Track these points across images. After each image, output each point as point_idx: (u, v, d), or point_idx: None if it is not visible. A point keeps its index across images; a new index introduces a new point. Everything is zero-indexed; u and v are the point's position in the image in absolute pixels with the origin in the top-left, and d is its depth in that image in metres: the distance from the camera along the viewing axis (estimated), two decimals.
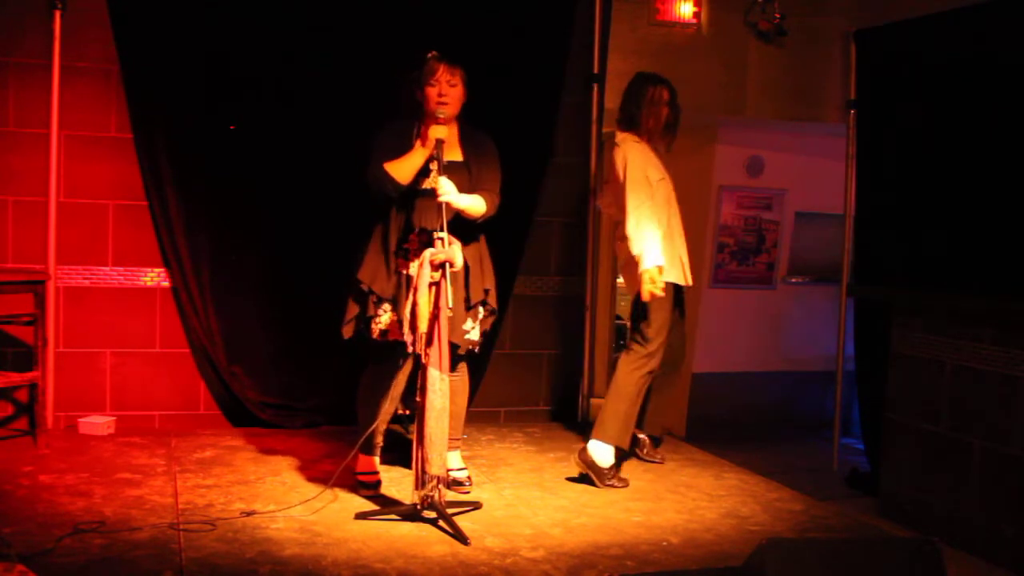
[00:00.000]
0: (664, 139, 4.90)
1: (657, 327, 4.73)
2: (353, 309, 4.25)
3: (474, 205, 4.16)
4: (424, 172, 4.14)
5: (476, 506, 4.20)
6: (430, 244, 3.98)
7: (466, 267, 4.20)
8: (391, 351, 4.22)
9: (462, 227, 4.12)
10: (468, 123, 4.31)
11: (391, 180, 4.10)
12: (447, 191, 4.00)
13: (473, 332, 4.34)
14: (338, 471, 4.25)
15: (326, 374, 5.40)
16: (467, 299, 4.24)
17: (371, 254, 4.21)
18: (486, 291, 4.32)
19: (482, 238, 4.34)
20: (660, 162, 4.81)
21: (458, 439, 4.56)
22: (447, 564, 3.57)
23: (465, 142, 4.27)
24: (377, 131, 4.26)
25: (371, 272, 4.18)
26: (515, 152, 4.95)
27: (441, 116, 4.11)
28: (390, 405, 4.34)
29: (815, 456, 5.56)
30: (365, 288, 4.17)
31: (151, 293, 5.38)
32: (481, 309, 4.35)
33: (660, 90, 4.82)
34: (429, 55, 4.23)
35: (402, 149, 4.17)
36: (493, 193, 4.25)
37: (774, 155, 5.93)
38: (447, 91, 4.18)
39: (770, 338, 6.05)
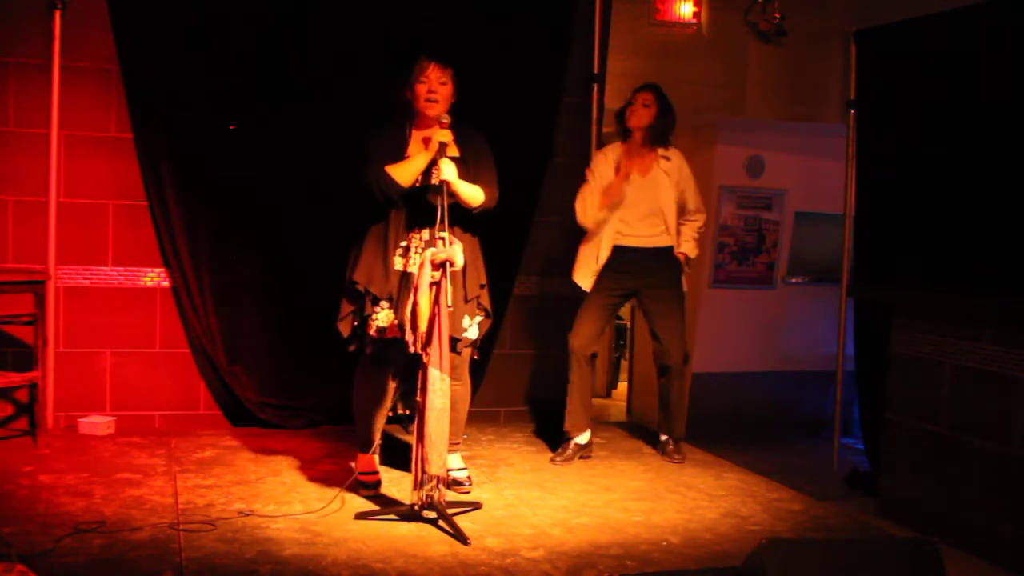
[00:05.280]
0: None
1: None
2: (347, 307, 4.25)
3: (473, 193, 4.16)
4: (426, 173, 4.14)
5: (476, 506, 4.20)
6: (430, 243, 3.98)
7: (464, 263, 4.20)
8: (385, 349, 4.22)
9: (460, 224, 4.12)
10: (459, 121, 4.29)
11: (393, 183, 4.10)
12: (447, 171, 4.01)
13: (471, 330, 4.33)
14: (348, 483, 4.24)
15: (326, 374, 5.39)
16: (464, 294, 4.24)
17: (367, 255, 4.20)
18: (482, 285, 4.33)
19: (477, 237, 4.34)
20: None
21: (458, 443, 4.57)
22: (447, 564, 3.57)
23: (459, 140, 4.26)
24: (369, 135, 4.25)
25: (367, 273, 4.17)
26: (515, 152, 4.95)
27: (444, 120, 4.11)
28: (386, 403, 4.34)
29: (815, 456, 5.56)
30: (361, 289, 4.17)
31: (151, 293, 5.38)
32: (477, 308, 4.35)
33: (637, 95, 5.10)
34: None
35: (398, 151, 4.17)
36: (491, 188, 4.25)
37: (774, 155, 5.92)
38: (437, 88, 4.18)
39: (770, 338, 6.04)
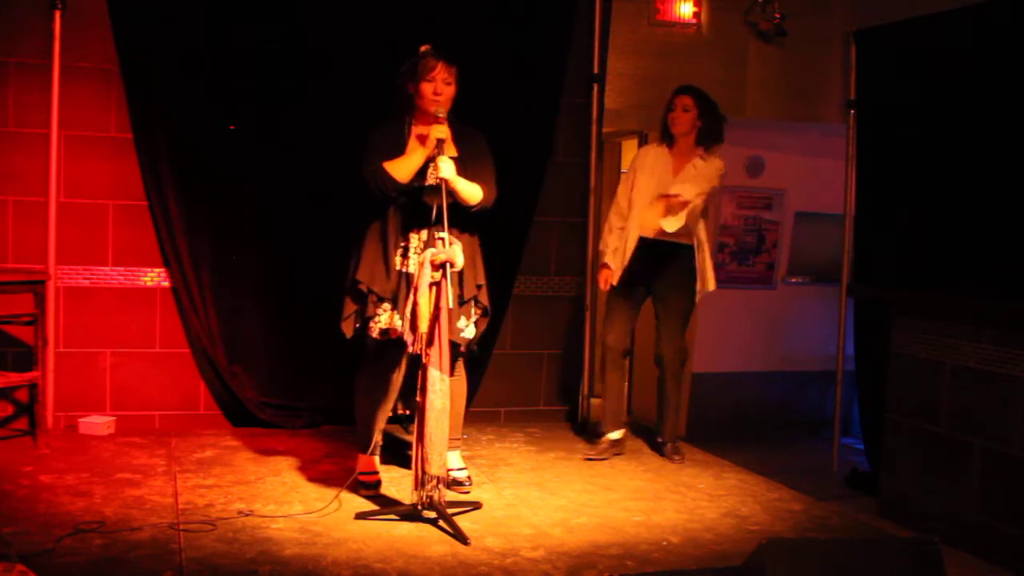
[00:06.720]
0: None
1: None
2: (350, 307, 4.25)
3: (471, 191, 4.16)
4: (423, 172, 4.14)
5: (476, 506, 4.20)
6: (430, 243, 3.97)
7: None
8: (388, 350, 4.22)
9: (458, 223, 4.12)
10: (458, 119, 4.29)
11: (391, 179, 4.10)
12: (444, 169, 4.01)
13: (468, 330, 4.33)
14: (348, 483, 4.24)
15: (326, 374, 5.39)
16: (460, 295, 4.23)
17: (368, 254, 4.20)
18: (479, 286, 4.32)
19: (476, 236, 4.34)
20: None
21: (458, 439, 4.57)
22: (447, 564, 3.57)
23: (458, 139, 4.26)
24: (371, 129, 4.25)
25: (369, 272, 4.17)
26: (515, 152, 4.95)
27: (441, 115, 4.11)
28: (388, 404, 4.34)
29: (815, 456, 5.56)
30: (364, 289, 4.17)
31: (151, 293, 5.38)
32: (474, 308, 4.35)
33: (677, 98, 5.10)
34: (422, 48, 4.22)
35: (397, 147, 4.17)
36: (490, 186, 4.25)
37: (774, 155, 5.93)
38: (443, 89, 4.17)
39: (770, 338, 6.05)
